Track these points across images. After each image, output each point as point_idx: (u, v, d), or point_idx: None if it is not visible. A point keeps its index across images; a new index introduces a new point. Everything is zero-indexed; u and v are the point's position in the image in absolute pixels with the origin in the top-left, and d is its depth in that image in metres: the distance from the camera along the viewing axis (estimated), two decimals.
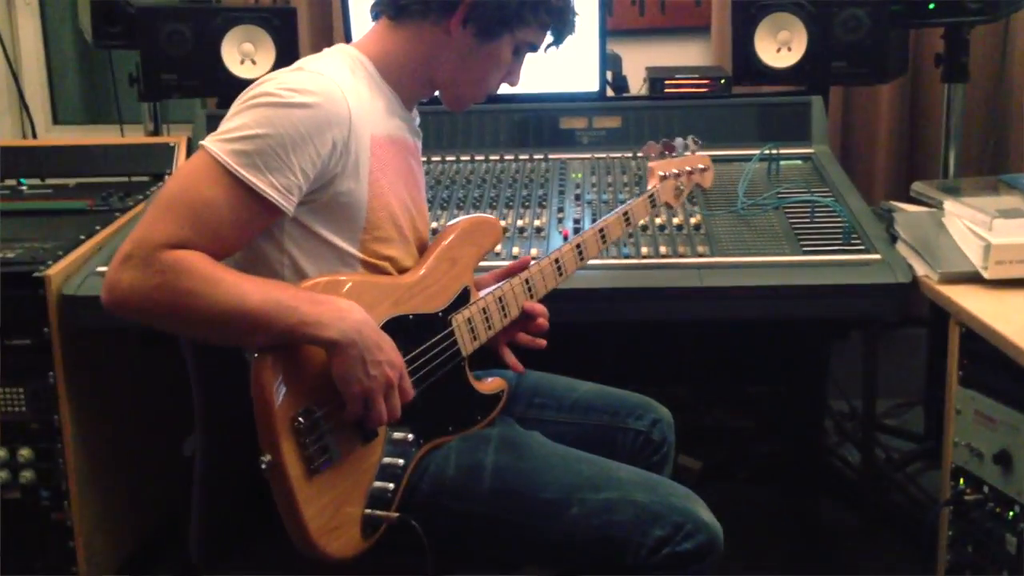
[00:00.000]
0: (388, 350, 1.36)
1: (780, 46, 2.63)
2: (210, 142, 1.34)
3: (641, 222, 2.10)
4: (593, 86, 2.66)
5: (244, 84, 2.63)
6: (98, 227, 2.31)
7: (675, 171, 1.97)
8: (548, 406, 1.78)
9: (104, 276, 1.99)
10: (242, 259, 1.46)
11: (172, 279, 1.28)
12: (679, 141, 2.02)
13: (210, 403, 1.54)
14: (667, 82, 2.63)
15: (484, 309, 1.60)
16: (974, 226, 1.90)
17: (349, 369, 1.31)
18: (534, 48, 1.58)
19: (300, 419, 1.31)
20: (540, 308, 1.69)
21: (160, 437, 2.57)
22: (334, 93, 1.38)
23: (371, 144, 1.45)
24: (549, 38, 1.58)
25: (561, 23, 1.56)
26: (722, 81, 2.62)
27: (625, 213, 1.84)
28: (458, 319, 1.56)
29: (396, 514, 1.39)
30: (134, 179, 2.73)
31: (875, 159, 3.30)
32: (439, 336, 1.53)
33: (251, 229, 1.38)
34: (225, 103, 2.78)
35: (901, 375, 3.07)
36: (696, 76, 2.63)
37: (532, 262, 1.70)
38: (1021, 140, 3.23)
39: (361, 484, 1.40)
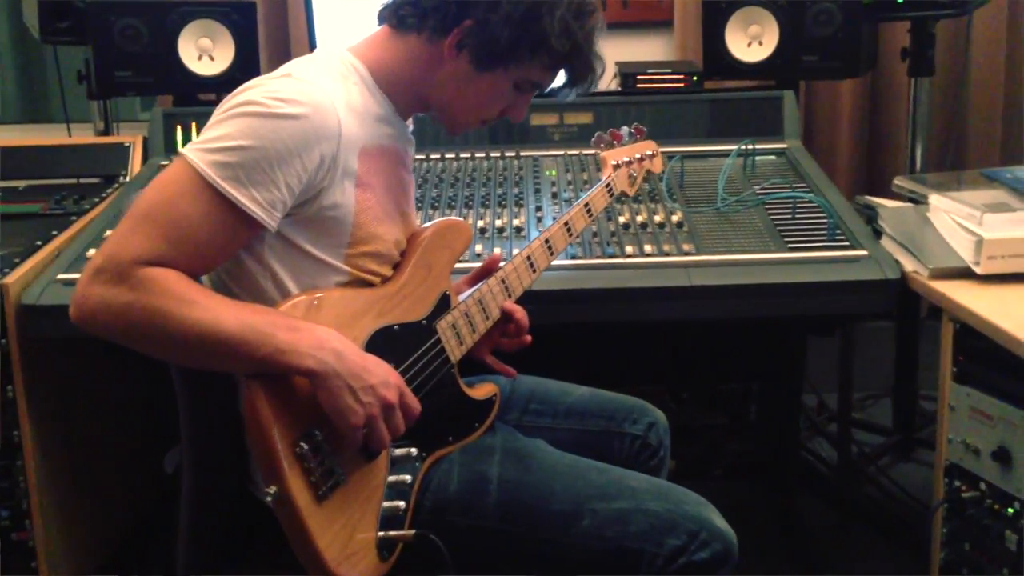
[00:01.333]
0: (377, 371, 1.28)
1: (751, 40, 2.61)
2: (190, 151, 1.26)
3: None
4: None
5: (202, 81, 2.64)
6: (55, 232, 2.21)
7: (626, 159, 1.96)
8: (544, 412, 1.73)
9: (67, 285, 1.97)
10: (224, 272, 1.38)
11: (144, 297, 1.20)
12: (624, 129, 2.00)
13: (196, 416, 1.46)
14: (639, 77, 2.59)
15: (466, 313, 1.55)
16: (963, 221, 1.89)
17: (337, 401, 1.24)
18: (540, 87, 1.49)
19: (302, 443, 1.23)
20: (518, 308, 1.64)
21: (126, 451, 2.48)
22: (324, 104, 1.30)
23: (360, 156, 1.37)
24: (562, 79, 1.49)
25: (571, 68, 1.46)
26: (694, 77, 2.59)
27: (586, 204, 1.80)
28: (442, 325, 1.50)
29: (412, 532, 1.33)
30: (83, 181, 2.62)
31: (836, 154, 3.31)
32: (427, 345, 1.47)
33: (232, 245, 1.30)
34: (181, 101, 2.74)
35: (865, 369, 3.07)
36: (669, 71, 2.60)
37: (502, 262, 1.65)
38: (979, 134, 3.27)
39: (371, 506, 1.33)
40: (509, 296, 1.62)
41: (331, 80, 1.36)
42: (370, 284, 1.42)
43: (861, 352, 2.96)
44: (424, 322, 1.47)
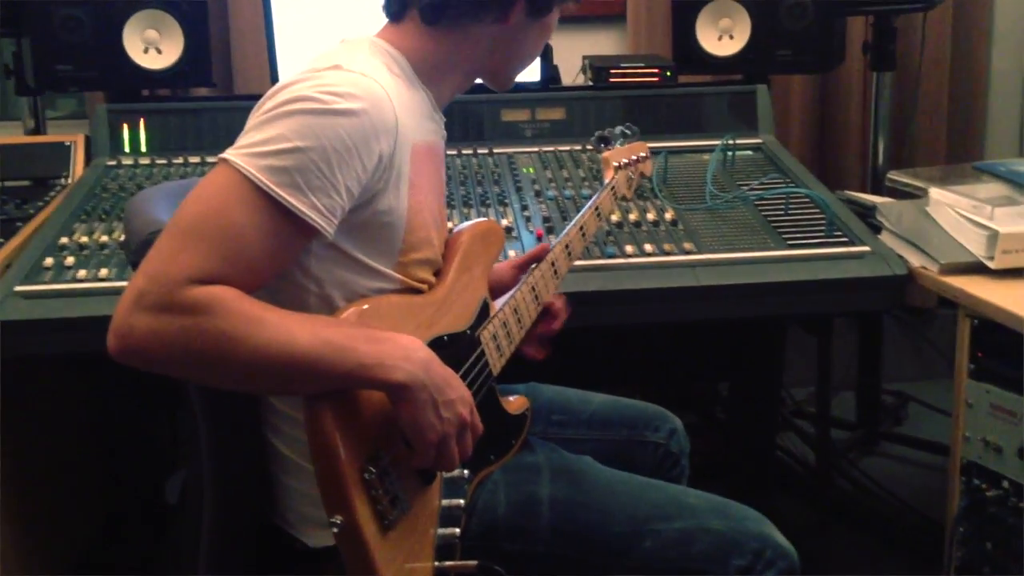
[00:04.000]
0: (457, 386, 1.18)
1: (721, 34, 2.56)
2: (236, 156, 1.11)
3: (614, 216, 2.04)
4: (535, 76, 2.53)
5: (148, 75, 2.46)
6: (1, 240, 2.02)
7: (625, 160, 1.89)
8: (567, 423, 1.65)
9: (28, 299, 1.79)
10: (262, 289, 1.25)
11: (203, 321, 1.05)
12: (618, 129, 1.93)
13: (219, 442, 1.32)
14: (612, 71, 2.52)
15: (504, 323, 1.46)
16: (971, 215, 1.87)
17: (421, 415, 1.13)
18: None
19: (371, 468, 1.12)
20: (559, 305, 1.60)
21: (84, 467, 2.31)
22: (380, 97, 1.18)
23: (412, 155, 1.26)
24: None
25: None
26: (668, 72, 2.53)
27: (596, 208, 1.74)
28: (485, 336, 1.40)
29: (474, 563, 1.22)
30: (9, 184, 2.42)
31: (787, 149, 3.28)
32: (473, 357, 1.36)
33: (287, 257, 1.17)
34: (122, 97, 2.55)
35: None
36: (642, 65, 2.53)
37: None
38: (925, 130, 3.29)
39: (427, 534, 1.22)
40: (538, 304, 1.55)
41: (381, 71, 1.24)
42: (418, 291, 1.31)
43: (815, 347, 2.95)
44: (468, 332, 1.36)
